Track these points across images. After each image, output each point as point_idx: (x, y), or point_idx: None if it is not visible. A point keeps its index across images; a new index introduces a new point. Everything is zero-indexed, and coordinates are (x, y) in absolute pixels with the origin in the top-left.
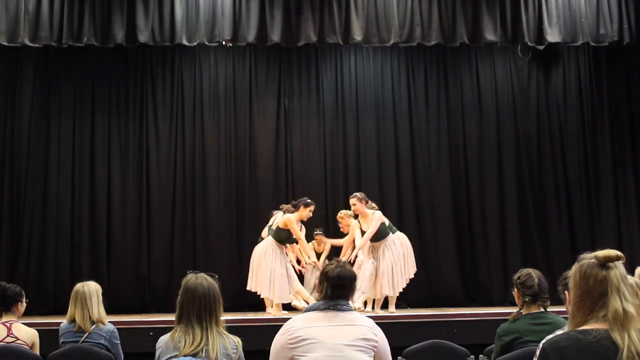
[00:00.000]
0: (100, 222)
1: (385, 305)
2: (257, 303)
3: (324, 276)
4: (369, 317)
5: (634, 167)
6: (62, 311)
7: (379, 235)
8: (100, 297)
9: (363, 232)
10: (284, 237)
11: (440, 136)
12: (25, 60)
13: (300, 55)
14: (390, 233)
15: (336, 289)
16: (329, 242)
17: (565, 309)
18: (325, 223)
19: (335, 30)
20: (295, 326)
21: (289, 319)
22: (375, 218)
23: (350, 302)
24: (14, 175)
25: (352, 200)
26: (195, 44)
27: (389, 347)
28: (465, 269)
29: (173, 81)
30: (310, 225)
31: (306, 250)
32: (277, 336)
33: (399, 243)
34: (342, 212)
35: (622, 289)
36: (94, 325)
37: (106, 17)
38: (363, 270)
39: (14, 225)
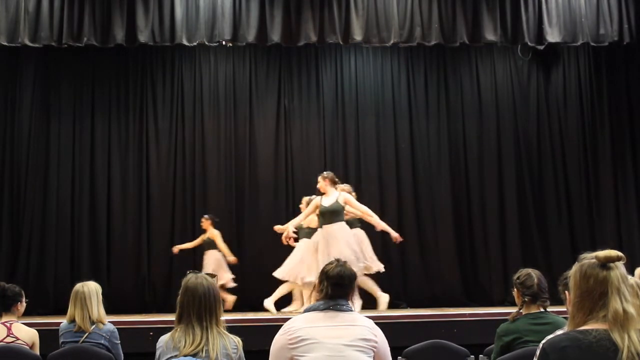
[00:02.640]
0: (100, 222)
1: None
2: (257, 303)
3: (324, 275)
4: (369, 317)
5: (634, 167)
6: (62, 311)
7: (332, 218)
8: (100, 297)
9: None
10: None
11: (440, 136)
12: (25, 60)
13: (300, 55)
14: (341, 221)
15: (336, 288)
16: None
17: (565, 309)
18: None
19: (335, 30)
20: (295, 326)
21: (288, 319)
22: (350, 197)
23: (350, 302)
24: (14, 175)
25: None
26: (195, 44)
27: (388, 348)
28: (465, 269)
29: (173, 81)
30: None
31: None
32: (277, 336)
33: (345, 234)
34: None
35: (623, 290)
36: (94, 325)
37: (106, 17)
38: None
39: (14, 225)
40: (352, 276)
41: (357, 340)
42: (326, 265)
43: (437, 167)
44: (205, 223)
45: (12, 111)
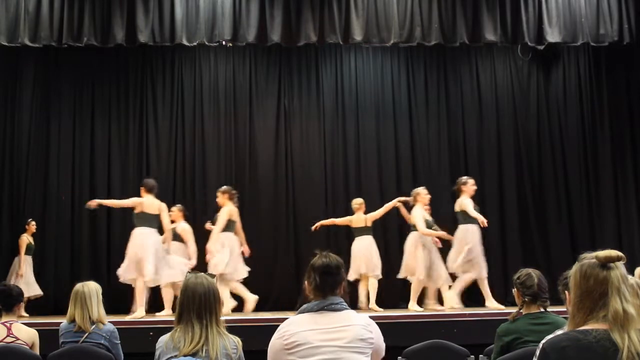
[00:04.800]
0: (100, 222)
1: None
2: (257, 303)
3: (311, 268)
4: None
5: (634, 167)
6: (62, 311)
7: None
8: (100, 297)
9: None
10: None
11: (440, 136)
12: (25, 60)
13: (300, 55)
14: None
15: (325, 276)
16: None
17: (565, 309)
18: None
19: (335, 30)
20: (290, 330)
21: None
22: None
23: (343, 298)
24: (14, 175)
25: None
26: (195, 44)
27: (382, 339)
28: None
29: (173, 81)
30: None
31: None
32: (272, 339)
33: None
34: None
35: (623, 290)
36: (94, 325)
37: (106, 17)
38: None
39: (14, 225)
40: (339, 264)
41: (355, 342)
42: (313, 260)
43: (437, 167)
44: (31, 228)
45: (12, 111)
